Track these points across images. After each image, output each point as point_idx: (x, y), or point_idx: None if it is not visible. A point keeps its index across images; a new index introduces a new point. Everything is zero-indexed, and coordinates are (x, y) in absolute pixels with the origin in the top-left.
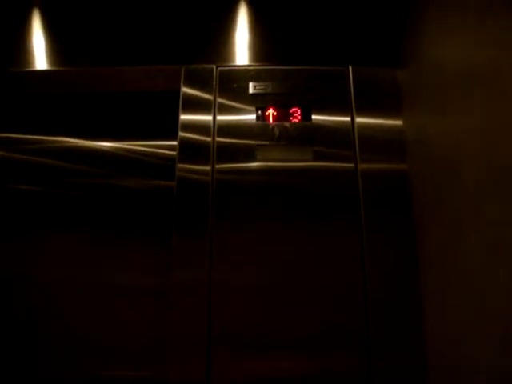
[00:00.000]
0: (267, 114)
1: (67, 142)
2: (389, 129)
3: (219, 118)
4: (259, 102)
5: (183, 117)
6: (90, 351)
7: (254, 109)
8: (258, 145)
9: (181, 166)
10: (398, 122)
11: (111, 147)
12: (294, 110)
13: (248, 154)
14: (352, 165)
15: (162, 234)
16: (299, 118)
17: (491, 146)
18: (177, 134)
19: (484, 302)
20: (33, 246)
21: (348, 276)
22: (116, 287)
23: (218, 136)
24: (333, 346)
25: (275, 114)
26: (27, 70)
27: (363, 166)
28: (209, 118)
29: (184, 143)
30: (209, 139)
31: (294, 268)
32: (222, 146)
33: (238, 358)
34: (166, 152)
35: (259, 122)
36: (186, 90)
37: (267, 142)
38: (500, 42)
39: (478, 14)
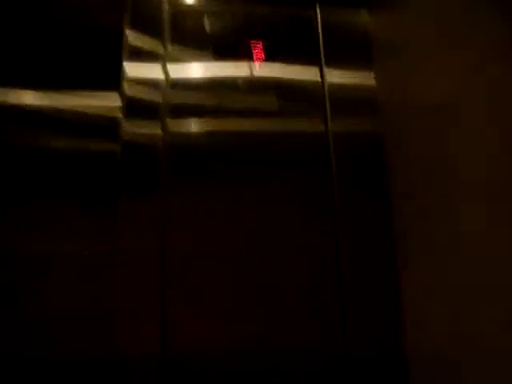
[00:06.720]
0: (227, 53)
1: None
2: (361, 80)
3: (171, 66)
4: (217, 42)
5: (128, 67)
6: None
7: (211, 50)
8: (215, 93)
9: (126, 125)
10: (370, 73)
11: (40, 99)
12: (257, 48)
13: (203, 107)
14: (322, 127)
15: (108, 200)
16: (263, 57)
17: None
18: (120, 87)
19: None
20: None
21: (317, 243)
22: (59, 254)
23: (171, 89)
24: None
25: (236, 52)
26: None
27: (334, 128)
28: (158, 66)
29: (130, 99)
30: (158, 94)
31: (256, 232)
32: (174, 101)
33: (194, 323)
34: (109, 105)
35: (217, 64)
36: (130, 31)
37: (227, 89)
38: None
39: None
